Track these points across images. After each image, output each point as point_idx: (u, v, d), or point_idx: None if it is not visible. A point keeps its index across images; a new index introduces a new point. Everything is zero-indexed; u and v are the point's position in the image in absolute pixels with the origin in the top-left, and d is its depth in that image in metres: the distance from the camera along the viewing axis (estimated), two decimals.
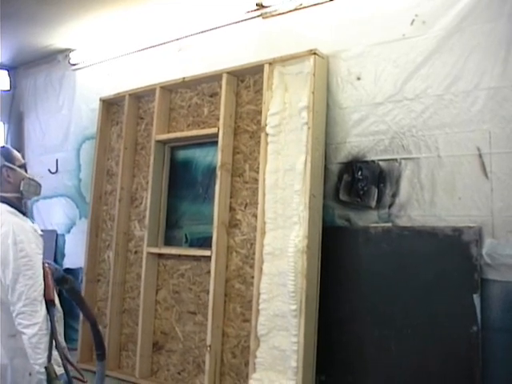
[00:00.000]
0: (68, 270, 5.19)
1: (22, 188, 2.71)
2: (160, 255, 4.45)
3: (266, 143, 3.74)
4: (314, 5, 3.91)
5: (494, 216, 3.05)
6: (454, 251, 3.09)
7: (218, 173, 3.95)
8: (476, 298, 3.00)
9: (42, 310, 2.45)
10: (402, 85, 3.46)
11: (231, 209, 3.99)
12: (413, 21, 3.44)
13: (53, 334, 2.42)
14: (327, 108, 3.72)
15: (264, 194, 3.69)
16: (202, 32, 4.66)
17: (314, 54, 3.60)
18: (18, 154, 2.81)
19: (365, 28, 3.66)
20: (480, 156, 3.12)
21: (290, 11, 4.05)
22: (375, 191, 3.52)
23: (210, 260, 3.91)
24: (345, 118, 3.69)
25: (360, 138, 3.61)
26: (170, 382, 4.26)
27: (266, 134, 3.74)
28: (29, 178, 2.77)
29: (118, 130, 5.00)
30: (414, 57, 3.43)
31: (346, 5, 3.78)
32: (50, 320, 2.45)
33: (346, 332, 3.50)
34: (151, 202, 4.45)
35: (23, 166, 2.79)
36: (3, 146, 2.88)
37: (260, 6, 4.16)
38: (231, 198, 4.00)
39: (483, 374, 2.96)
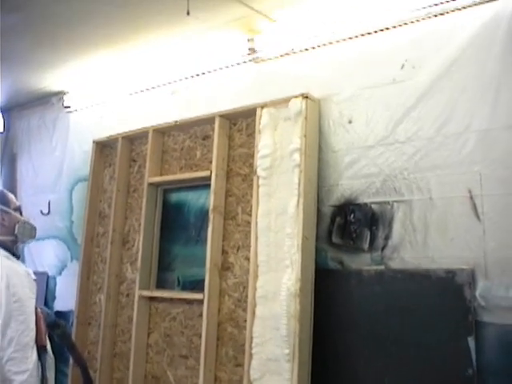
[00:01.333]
0: (59, 313, 5.15)
1: (16, 231, 2.71)
2: (152, 298, 4.41)
3: (258, 186, 3.76)
4: (305, 50, 3.99)
5: (487, 257, 3.04)
6: (447, 293, 3.09)
7: (211, 216, 3.95)
8: (471, 341, 2.98)
9: (32, 356, 2.42)
10: (394, 127, 3.50)
11: (224, 252, 3.98)
12: (403, 65, 3.50)
13: (43, 381, 2.39)
14: (319, 151, 3.75)
15: (256, 237, 3.69)
16: (195, 76, 4.72)
17: (306, 97, 3.65)
18: (12, 197, 2.81)
19: (356, 72, 3.72)
20: (471, 198, 3.13)
21: (282, 56, 4.12)
22: (368, 234, 3.52)
23: (203, 303, 3.88)
24: (337, 160, 3.71)
25: (352, 180, 3.63)
26: None
27: (258, 177, 3.76)
28: (24, 221, 2.77)
29: (110, 172, 5.01)
30: (404, 100, 3.47)
31: (336, 49, 3.85)
32: (41, 366, 2.42)
33: (340, 374, 3.46)
34: (143, 245, 4.44)
35: (18, 209, 2.80)
36: None
37: (252, 50, 4.22)
38: (224, 240, 4.00)
39: None
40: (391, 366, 3.26)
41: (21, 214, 2.79)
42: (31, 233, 2.81)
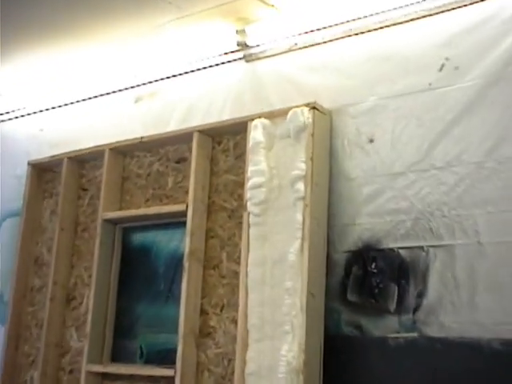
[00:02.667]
0: None
1: None
2: (105, 375, 4.35)
3: (249, 225, 3.74)
4: (313, 45, 4.00)
5: None
6: (505, 372, 3.02)
7: (186, 263, 3.93)
8: None
9: None
10: (429, 149, 3.48)
11: (203, 312, 3.96)
12: (442, 66, 3.50)
13: None
14: (330, 179, 3.74)
15: (246, 293, 3.66)
16: (165, 79, 4.74)
17: (313, 108, 3.65)
18: None
19: (379, 75, 3.73)
20: None
21: (282, 53, 4.14)
22: (395, 289, 3.49)
23: (174, 382, 3.82)
24: (353, 192, 3.70)
25: (374, 218, 3.61)
26: None
27: (249, 213, 3.75)
28: None
29: (52, 205, 5.01)
30: (443, 113, 3.46)
31: (353, 46, 3.87)
32: None
33: None
34: (95, 303, 4.39)
35: None
36: None
37: (243, 45, 4.23)
38: (203, 297, 3.98)
39: None
40: None
41: None
42: None
